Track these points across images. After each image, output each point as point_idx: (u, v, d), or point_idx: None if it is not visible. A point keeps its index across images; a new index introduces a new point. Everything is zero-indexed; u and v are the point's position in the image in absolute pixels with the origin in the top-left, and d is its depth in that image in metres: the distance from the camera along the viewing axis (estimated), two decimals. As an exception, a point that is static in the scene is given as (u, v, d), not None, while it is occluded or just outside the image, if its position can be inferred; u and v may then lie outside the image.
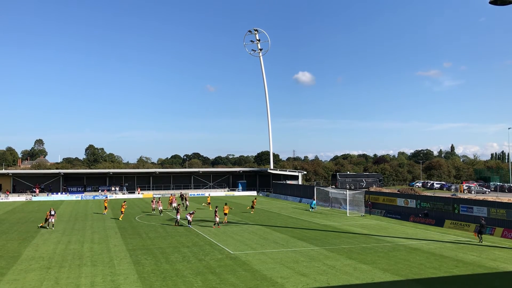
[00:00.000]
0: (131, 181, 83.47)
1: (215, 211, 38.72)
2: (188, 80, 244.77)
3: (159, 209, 47.95)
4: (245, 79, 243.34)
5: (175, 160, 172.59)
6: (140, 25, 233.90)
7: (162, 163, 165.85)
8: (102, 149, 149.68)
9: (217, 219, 37.61)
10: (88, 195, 74.89)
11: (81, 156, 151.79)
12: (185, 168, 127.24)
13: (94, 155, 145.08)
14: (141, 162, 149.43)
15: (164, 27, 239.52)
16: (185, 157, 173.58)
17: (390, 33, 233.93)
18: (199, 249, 27.46)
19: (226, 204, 42.22)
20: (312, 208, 50.72)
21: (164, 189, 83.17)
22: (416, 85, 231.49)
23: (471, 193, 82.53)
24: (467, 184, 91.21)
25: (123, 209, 44.21)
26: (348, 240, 31.48)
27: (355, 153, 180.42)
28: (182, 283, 19.50)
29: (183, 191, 74.83)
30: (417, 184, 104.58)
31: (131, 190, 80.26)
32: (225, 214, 39.94)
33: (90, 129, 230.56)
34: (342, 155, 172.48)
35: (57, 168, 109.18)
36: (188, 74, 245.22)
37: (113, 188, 79.41)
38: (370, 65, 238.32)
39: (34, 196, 71.86)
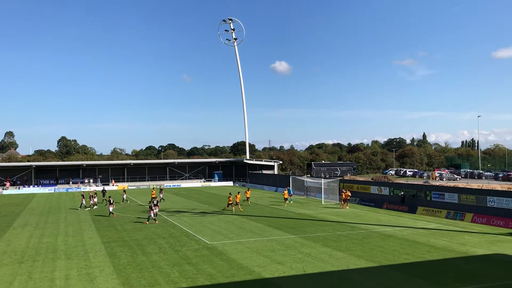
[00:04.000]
0: (105, 173, 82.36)
1: (155, 204, 36.32)
2: (164, 70, 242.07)
3: (92, 202, 45.67)
4: (221, 69, 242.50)
5: (150, 151, 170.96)
6: (113, 15, 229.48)
7: (137, 154, 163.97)
8: (75, 140, 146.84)
9: (152, 214, 34.65)
10: (61, 188, 73.70)
11: (53, 148, 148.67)
12: (160, 159, 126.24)
13: (67, 147, 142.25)
14: (115, 154, 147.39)
15: (139, 16, 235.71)
16: (160, 148, 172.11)
17: (367, 23, 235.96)
18: (176, 240, 27.39)
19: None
20: (291, 195, 50.45)
21: (139, 181, 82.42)
22: (391, 74, 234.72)
23: (442, 180, 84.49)
24: (438, 172, 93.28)
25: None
26: (324, 228, 31.88)
27: (330, 142, 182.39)
28: (158, 274, 19.44)
29: (107, 187, 69.67)
30: (390, 172, 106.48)
31: (105, 182, 79.24)
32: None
33: (62, 120, 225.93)
34: (317, 145, 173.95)
35: (28, 161, 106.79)
36: (164, 64, 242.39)
37: (86, 181, 78.26)
38: (346, 54, 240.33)
39: (5, 189, 70.18)
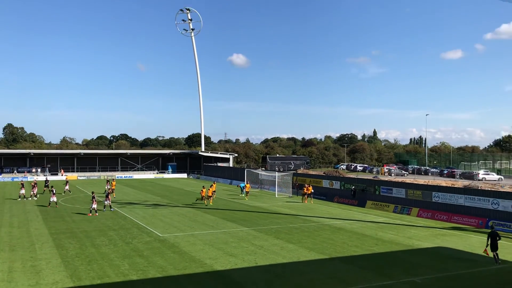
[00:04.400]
0: (53, 162, 79.62)
1: (106, 196, 36.80)
2: (118, 57, 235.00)
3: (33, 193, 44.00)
4: (178, 59, 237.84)
5: (101, 141, 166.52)
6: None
7: (87, 144, 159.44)
8: (22, 128, 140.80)
9: (95, 205, 33.76)
10: (6, 177, 70.62)
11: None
12: (112, 149, 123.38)
13: (13, 135, 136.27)
14: (65, 143, 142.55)
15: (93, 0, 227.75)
16: (112, 138, 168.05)
17: (323, 20, 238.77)
18: (126, 232, 26.91)
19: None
20: (242, 190, 50.76)
21: (89, 171, 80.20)
22: (345, 71, 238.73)
23: (391, 175, 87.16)
24: (387, 167, 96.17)
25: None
26: (276, 220, 32.24)
27: (285, 136, 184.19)
28: (108, 266, 19.04)
29: (50, 177, 64.65)
30: (342, 166, 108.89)
31: (53, 172, 76.61)
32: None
33: (8, 106, 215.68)
34: (272, 138, 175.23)
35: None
36: (118, 51, 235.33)
37: (34, 170, 75.36)
38: (302, 50, 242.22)
39: None
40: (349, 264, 20.14)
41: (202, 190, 41.38)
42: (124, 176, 77.97)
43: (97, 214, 33.56)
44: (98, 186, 56.73)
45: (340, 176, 63.34)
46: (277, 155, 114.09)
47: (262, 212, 36.79)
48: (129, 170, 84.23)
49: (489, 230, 20.96)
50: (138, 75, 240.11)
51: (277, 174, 52.02)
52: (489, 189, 44.74)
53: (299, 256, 21.43)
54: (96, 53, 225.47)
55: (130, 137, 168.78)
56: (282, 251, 22.33)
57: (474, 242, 25.36)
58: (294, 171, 63.73)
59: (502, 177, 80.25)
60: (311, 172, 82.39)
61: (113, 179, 53.01)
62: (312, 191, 44.75)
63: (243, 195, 48.52)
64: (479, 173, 79.51)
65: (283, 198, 47.52)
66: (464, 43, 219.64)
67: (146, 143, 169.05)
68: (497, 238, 20.16)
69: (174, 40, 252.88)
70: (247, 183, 49.08)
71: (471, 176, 78.58)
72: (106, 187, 49.96)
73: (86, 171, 79.99)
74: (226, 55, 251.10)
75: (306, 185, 45.29)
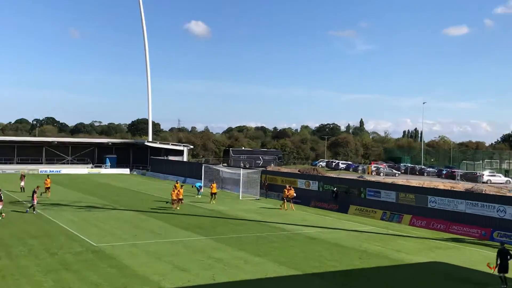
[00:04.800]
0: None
1: (34, 191, 36.70)
2: (44, 20, 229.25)
3: None
4: (121, 26, 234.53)
5: (21, 125, 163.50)
6: None
7: (3, 129, 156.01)
8: None
9: (35, 202, 35.45)
10: None
11: None
12: (35, 136, 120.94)
13: None
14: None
15: None
16: (35, 122, 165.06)
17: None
18: (52, 241, 26.51)
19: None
20: (199, 191, 50.53)
21: (4, 163, 78.20)
22: (326, 47, 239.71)
23: (379, 175, 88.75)
24: (375, 165, 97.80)
25: None
26: (239, 228, 32.42)
27: (253, 125, 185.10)
28: (27, 283, 18.73)
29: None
30: (321, 163, 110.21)
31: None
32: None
33: None
34: (237, 127, 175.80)
35: None
36: (45, 12, 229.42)
37: None
38: (276, 19, 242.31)
39: None
40: (327, 281, 20.46)
41: (172, 193, 40.54)
42: (50, 171, 76.24)
43: (3, 215, 32.84)
44: (14, 182, 55.43)
45: (319, 175, 64.05)
46: (243, 148, 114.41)
47: (222, 217, 36.89)
48: (56, 163, 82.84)
49: (499, 246, 20.77)
50: (71, 43, 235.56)
51: (242, 171, 52.13)
52: (495, 193, 46.20)
53: (267, 271, 21.62)
54: (15, 12, 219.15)
55: (58, 121, 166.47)
56: (246, 265, 22.48)
57: (476, 257, 26.18)
58: (263, 168, 64.07)
59: (510, 179, 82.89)
60: (284, 169, 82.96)
61: (47, 175, 51.89)
62: (294, 195, 43.18)
63: (200, 196, 48.46)
64: (483, 174, 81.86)
65: (249, 200, 47.74)
66: (471, 18, 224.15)
67: (79, 129, 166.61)
68: (508, 258, 19.63)
69: (117, 2, 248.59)
70: (213, 183, 47.91)
71: (474, 178, 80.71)
72: (21, 184, 49.12)
73: (1, 163, 78.02)
74: (182, 22, 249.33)
75: (287, 187, 43.73)
